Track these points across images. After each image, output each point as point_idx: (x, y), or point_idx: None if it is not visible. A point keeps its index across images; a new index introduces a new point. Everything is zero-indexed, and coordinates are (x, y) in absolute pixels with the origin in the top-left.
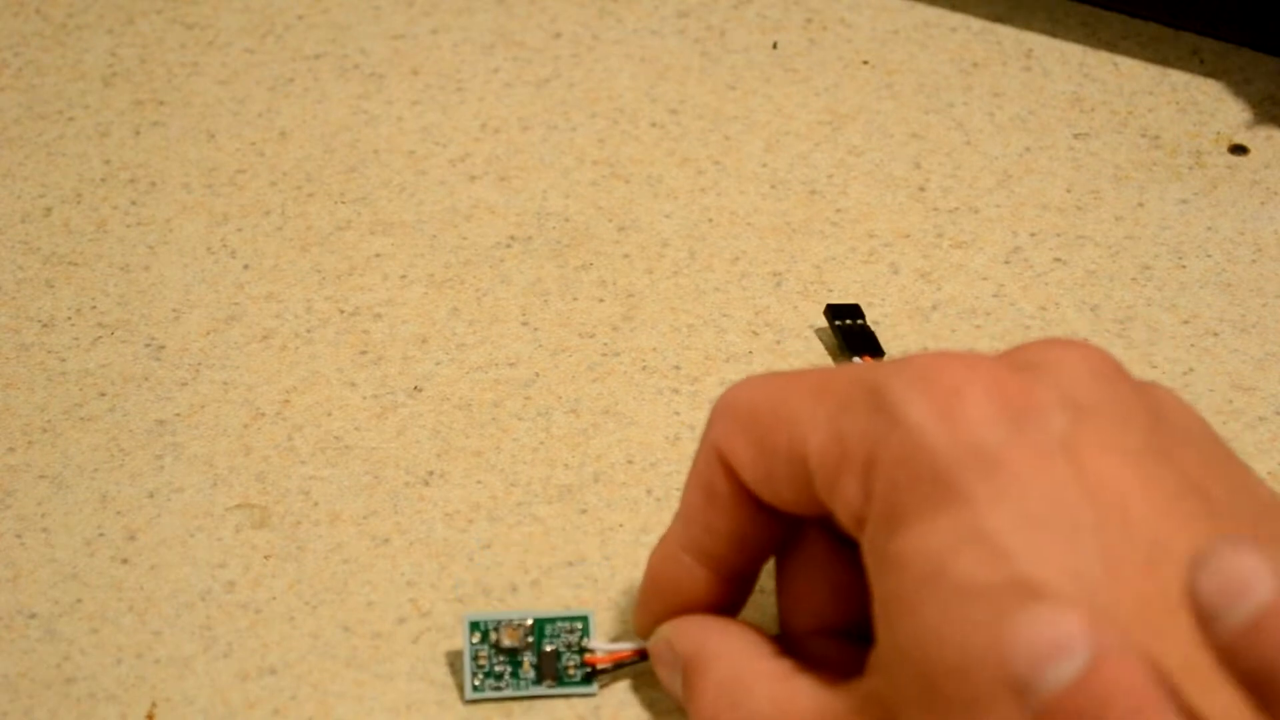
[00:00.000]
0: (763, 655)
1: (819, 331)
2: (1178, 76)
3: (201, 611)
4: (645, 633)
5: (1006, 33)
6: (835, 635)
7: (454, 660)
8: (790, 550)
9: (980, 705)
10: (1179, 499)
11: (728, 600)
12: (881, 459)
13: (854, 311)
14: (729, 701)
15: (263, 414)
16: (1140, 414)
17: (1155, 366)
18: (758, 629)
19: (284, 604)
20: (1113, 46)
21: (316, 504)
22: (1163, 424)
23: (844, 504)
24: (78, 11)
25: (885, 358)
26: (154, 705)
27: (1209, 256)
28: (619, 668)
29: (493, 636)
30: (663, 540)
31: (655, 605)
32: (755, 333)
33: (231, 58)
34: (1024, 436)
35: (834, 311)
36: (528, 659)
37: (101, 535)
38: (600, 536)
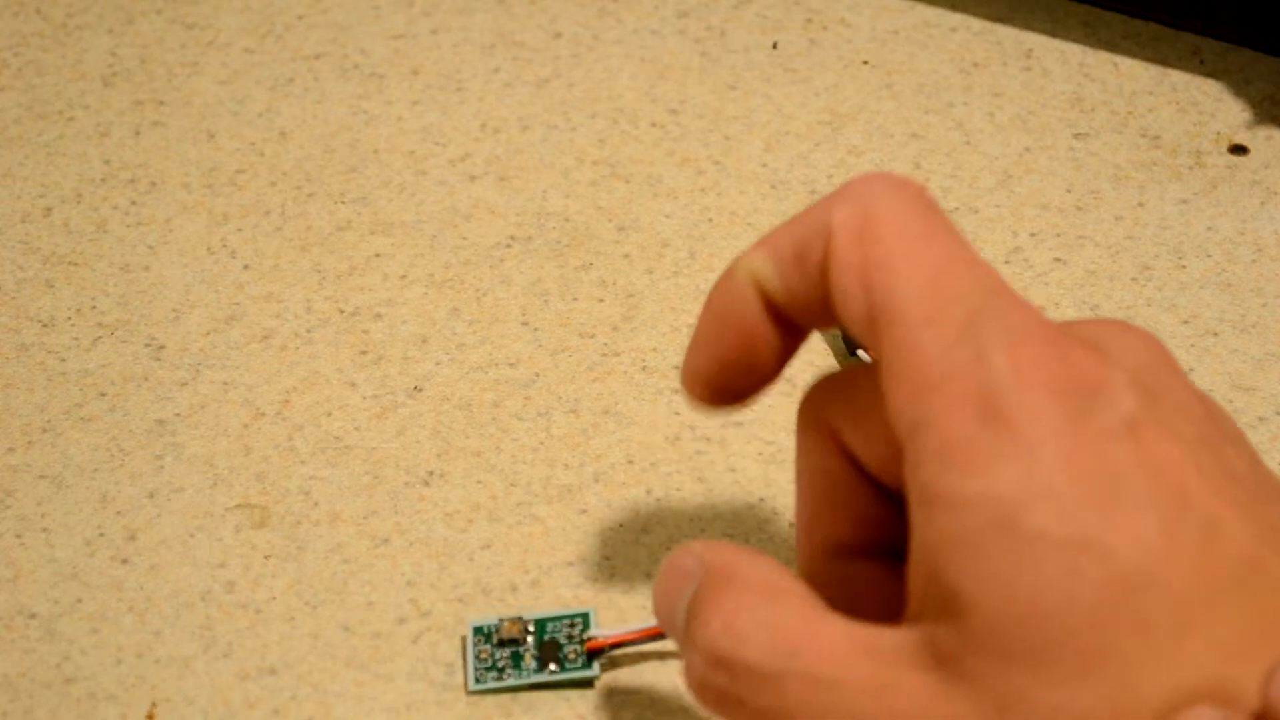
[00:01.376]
0: (796, 579)
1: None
2: (1178, 76)
3: (201, 611)
4: (693, 376)
5: (1006, 33)
6: (855, 556)
7: (458, 654)
8: (807, 467)
9: (1043, 658)
10: (1230, 486)
11: (777, 344)
12: (949, 390)
13: None
14: (751, 604)
15: (263, 414)
16: (1196, 406)
17: None
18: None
19: (284, 604)
20: (1113, 46)
21: (316, 504)
22: (1212, 420)
23: (894, 411)
24: (78, 11)
25: None
26: (154, 705)
27: (1209, 256)
28: (617, 648)
29: (495, 638)
30: (730, 270)
31: (710, 335)
32: None
33: (231, 58)
34: (1094, 412)
35: None
36: (529, 651)
37: (101, 535)
38: (600, 536)
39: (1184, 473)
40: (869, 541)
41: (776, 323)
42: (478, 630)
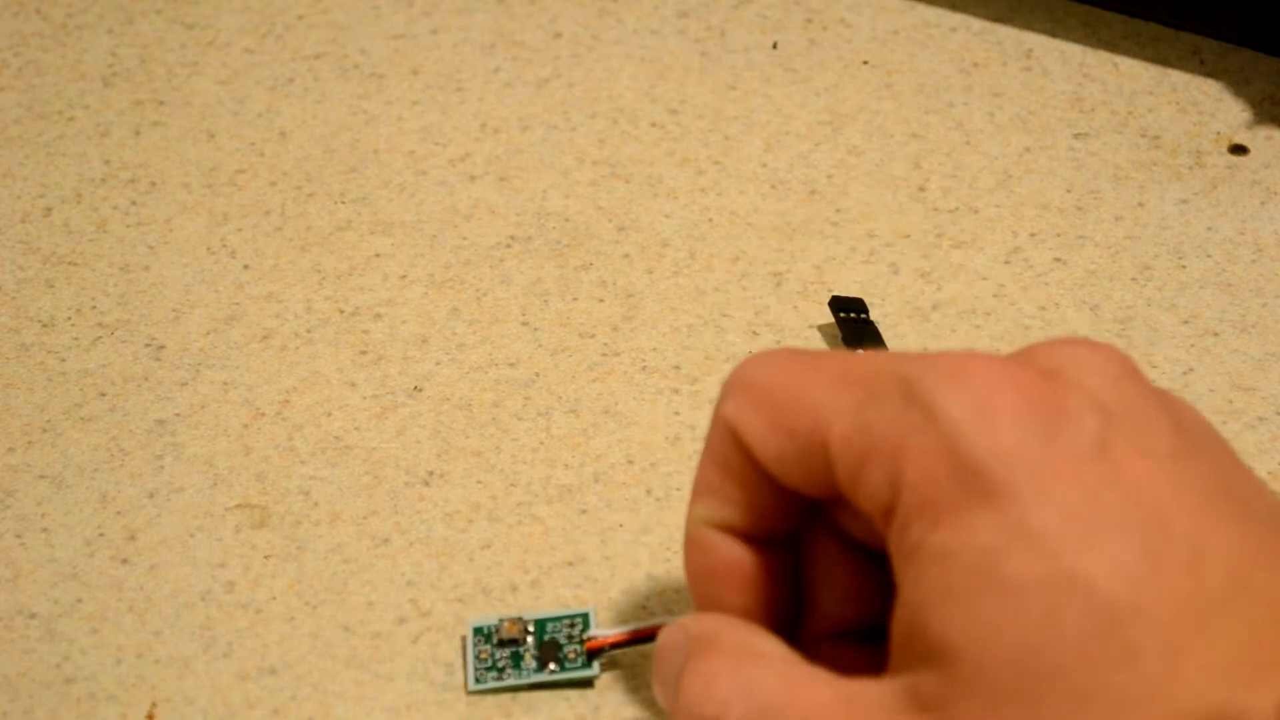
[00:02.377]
0: (778, 642)
1: (820, 329)
2: (1178, 76)
3: (201, 611)
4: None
5: (1006, 33)
6: (845, 638)
7: (458, 654)
8: (799, 555)
9: (1034, 698)
10: (1210, 501)
11: (772, 569)
12: (915, 451)
13: (858, 305)
14: (730, 668)
15: (263, 414)
16: (1163, 418)
17: (1155, 366)
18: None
19: (284, 604)
20: (1113, 46)
21: (316, 504)
22: (1183, 429)
23: (868, 494)
24: (78, 11)
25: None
26: (154, 705)
27: (1209, 256)
28: (617, 648)
29: (495, 637)
30: (686, 530)
31: (705, 595)
32: (755, 333)
33: (231, 58)
34: (1059, 440)
35: (838, 303)
36: (529, 651)
37: (101, 535)
38: (600, 536)
39: (1160, 492)
40: (864, 623)
41: (756, 551)
42: (478, 630)
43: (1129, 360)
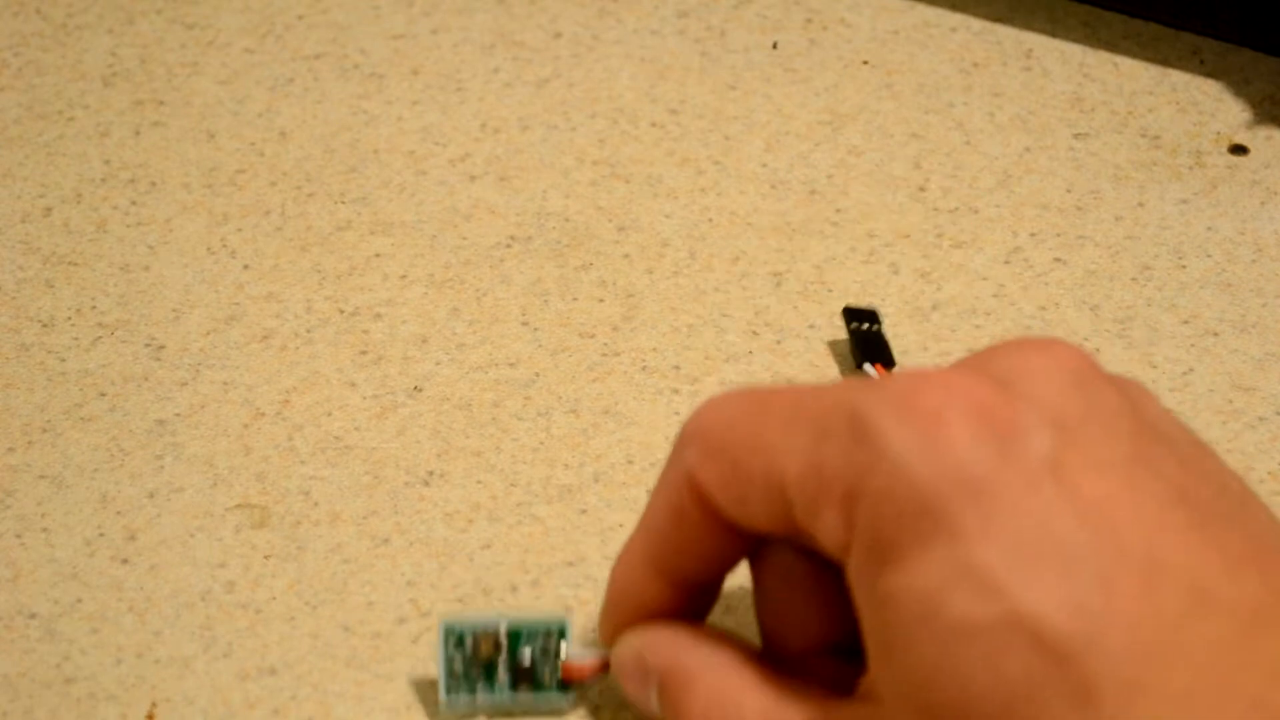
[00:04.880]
0: (747, 666)
1: (818, 331)
2: (1178, 76)
3: (201, 611)
4: (609, 641)
5: (1006, 33)
6: (822, 653)
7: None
8: (767, 574)
9: None
10: (1169, 509)
11: (689, 611)
12: (865, 491)
13: (871, 316)
14: (720, 716)
15: (263, 414)
16: (1123, 420)
17: (1155, 366)
18: (733, 637)
19: (284, 604)
20: (1113, 46)
21: (316, 504)
22: (1145, 427)
23: (827, 534)
24: (78, 11)
25: (896, 368)
26: (154, 705)
27: (1209, 256)
28: (594, 678)
29: (468, 643)
30: (624, 549)
31: (618, 615)
32: (755, 333)
33: (231, 58)
34: (1010, 461)
35: (850, 314)
36: (502, 669)
37: (101, 535)
38: (600, 536)
39: (1116, 508)
40: (844, 637)
41: (678, 597)
42: (449, 630)
43: (1083, 358)
